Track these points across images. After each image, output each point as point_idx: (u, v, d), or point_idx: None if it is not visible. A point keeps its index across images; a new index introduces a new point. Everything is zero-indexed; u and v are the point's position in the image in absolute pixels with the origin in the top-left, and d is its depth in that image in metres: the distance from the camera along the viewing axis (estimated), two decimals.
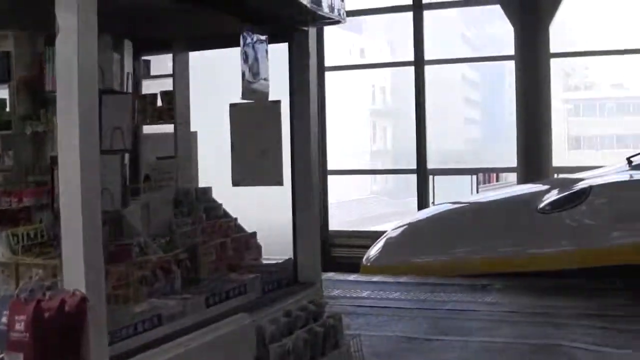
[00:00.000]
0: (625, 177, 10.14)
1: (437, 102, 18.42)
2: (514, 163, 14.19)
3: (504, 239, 10.11)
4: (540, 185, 11.30)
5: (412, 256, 10.55)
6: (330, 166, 16.30)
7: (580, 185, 10.07)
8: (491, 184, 15.26)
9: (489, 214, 10.75)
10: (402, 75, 17.86)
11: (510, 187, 12.70)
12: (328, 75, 16.09)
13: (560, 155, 15.34)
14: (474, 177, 15.04)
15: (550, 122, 14.05)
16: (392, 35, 25.72)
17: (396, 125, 30.16)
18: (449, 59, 17.10)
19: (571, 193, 9.94)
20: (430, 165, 15.39)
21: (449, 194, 15.10)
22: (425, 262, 10.33)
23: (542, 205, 10.04)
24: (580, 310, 8.12)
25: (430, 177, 15.21)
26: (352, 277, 10.29)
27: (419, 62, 15.25)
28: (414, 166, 15.31)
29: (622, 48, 15.93)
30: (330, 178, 16.33)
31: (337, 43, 22.10)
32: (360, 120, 30.43)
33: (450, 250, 10.39)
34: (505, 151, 15.24)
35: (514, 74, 14.48)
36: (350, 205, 24.68)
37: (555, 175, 14.04)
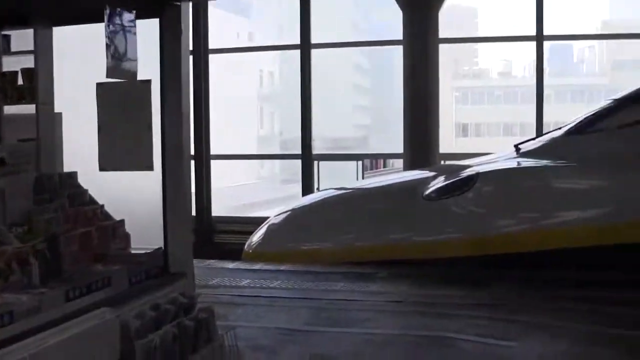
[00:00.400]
0: (512, 164, 10.00)
1: (326, 88, 18.25)
2: (401, 149, 14.12)
3: (389, 225, 9.84)
4: (427, 172, 11.07)
5: (295, 243, 10.25)
6: (215, 151, 16.05)
7: (467, 172, 9.90)
8: (378, 169, 15.19)
9: (374, 200, 10.52)
10: (290, 60, 17.65)
11: (397, 174, 12.53)
12: (214, 58, 15.80)
13: (448, 142, 15.40)
14: (360, 163, 14.95)
15: (438, 109, 14.00)
16: (281, 20, 25.56)
17: (284, 110, 30.05)
18: (336, 43, 16.98)
19: (458, 180, 9.76)
20: (317, 151, 15.25)
21: (335, 180, 15.00)
22: (309, 249, 10.09)
23: (428, 192, 9.84)
24: (467, 300, 7.95)
25: (315, 162, 15.08)
26: (231, 265, 9.96)
27: (305, 45, 15.06)
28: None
29: (511, 35, 16.17)
30: (216, 163, 16.07)
31: (224, 27, 21.77)
32: (247, 105, 30.23)
33: (334, 237, 10.11)
34: (394, 137, 15.17)
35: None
36: (236, 191, 24.51)
37: (442, 162, 14.01)
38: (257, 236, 10.70)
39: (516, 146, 10.40)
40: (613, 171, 9.32)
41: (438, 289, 8.47)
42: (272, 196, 24.86)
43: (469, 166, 10.31)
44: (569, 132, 10.03)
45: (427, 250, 9.44)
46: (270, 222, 10.85)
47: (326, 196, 11.19)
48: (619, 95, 10.43)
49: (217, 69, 16.25)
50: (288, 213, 10.98)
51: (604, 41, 61.41)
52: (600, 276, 8.54)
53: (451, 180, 9.84)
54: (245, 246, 10.71)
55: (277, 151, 29.50)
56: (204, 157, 15.53)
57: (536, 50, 13.75)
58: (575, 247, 8.97)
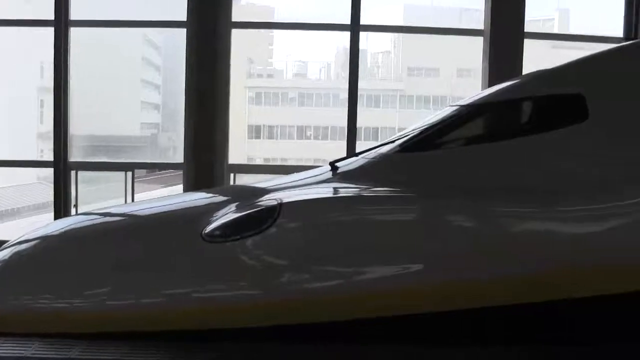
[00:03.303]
0: (327, 191, 6.76)
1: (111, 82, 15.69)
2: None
3: (145, 281, 6.35)
4: (213, 195, 7.88)
5: (17, 301, 6.40)
6: None
7: (266, 200, 6.45)
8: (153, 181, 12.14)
9: (132, 239, 6.71)
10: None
11: (175, 196, 9.10)
12: None
13: (239, 145, 12.32)
14: (129, 174, 11.73)
15: (228, 110, 11.00)
16: None
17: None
18: (100, 21, 13.40)
19: (253, 212, 6.33)
20: (78, 157, 11.95)
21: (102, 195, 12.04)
22: (32, 312, 6.26)
23: (210, 228, 6.32)
24: None
25: (73, 173, 11.75)
26: None
27: (59, 22, 11.77)
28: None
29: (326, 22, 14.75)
30: None
31: None
32: (26, 98, 26.80)
33: (70, 294, 6.31)
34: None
35: None
36: (6, 193, 21.09)
37: (232, 177, 10.96)
38: None
39: (332, 164, 7.21)
40: (464, 204, 6.43)
41: None
42: (42, 200, 21.38)
43: (269, 190, 6.94)
44: (404, 148, 7.09)
45: (208, 319, 6.10)
46: None
47: (74, 225, 7.40)
48: (467, 100, 7.63)
49: None
50: (18, 250, 6.98)
51: (400, 47, 60.68)
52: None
53: (243, 213, 6.40)
54: None
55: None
56: None
57: (350, 42, 11.18)
58: (418, 313, 6.10)
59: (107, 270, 6.38)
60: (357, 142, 11.18)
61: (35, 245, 7.06)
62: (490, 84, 10.29)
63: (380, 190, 6.63)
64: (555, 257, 6.02)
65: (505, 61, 11.52)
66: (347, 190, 6.86)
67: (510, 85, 7.54)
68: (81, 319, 6.11)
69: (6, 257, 6.85)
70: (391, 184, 6.68)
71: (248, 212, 6.39)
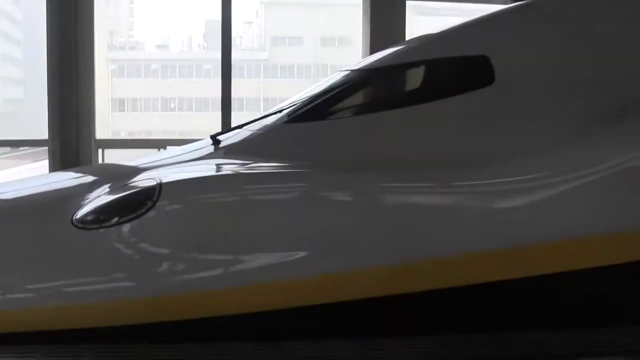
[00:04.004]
0: (210, 168, 5.92)
1: None
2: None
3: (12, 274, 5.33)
4: (82, 175, 6.87)
5: None
6: None
7: (143, 180, 5.58)
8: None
9: None
10: None
11: (35, 179, 7.82)
12: None
13: (104, 118, 11.47)
14: None
15: (94, 82, 10.13)
16: None
17: None
18: None
19: (129, 194, 5.45)
20: None
21: None
22: None
23: (81, 213, 5.39)
24: None
25: None
26: None
27: None
28: None
29: None
30: None
31: None
32: None
33: None
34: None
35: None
36: None
37: (101, 153, 10.10)
38: None
39: (214, 137, 6.30)
40: (362, 179, 5.76)
41: None
42: None
43: (145, 168, 6.03)
44: (293, 119, 6.34)
45: (74, 317, 5.17)
46: None
47: None
48: (357, 65, 6.92)
49: None
50: None
51: (263, 18, 60.01)
52: None
53: (119, 195, 5.52)
54: None
55: None
56: None
57: (222, 9, 10.36)
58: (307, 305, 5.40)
59: None
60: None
61: None
62: (373, 51, 9.61)
63: (270, 166, 5.88)
64: (463, 239, 5.41)
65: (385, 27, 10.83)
66: (233, 167, 6.02)
67: (402, 49, 6.85)
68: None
69: None
70: (280, 159, 5.95)
71: (123, 194, 5.55)
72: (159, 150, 9.72)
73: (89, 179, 6.41)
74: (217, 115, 10.67)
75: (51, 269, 5.29)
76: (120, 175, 6.02)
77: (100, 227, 5.30)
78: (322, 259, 5.28)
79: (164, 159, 6.60)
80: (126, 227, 5.28)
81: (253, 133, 6.28)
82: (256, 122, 6.39)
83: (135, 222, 5.24)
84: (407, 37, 8.36)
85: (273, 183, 5.56)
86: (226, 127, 9.27)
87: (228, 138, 6.35)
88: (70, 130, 9.83)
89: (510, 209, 5.48)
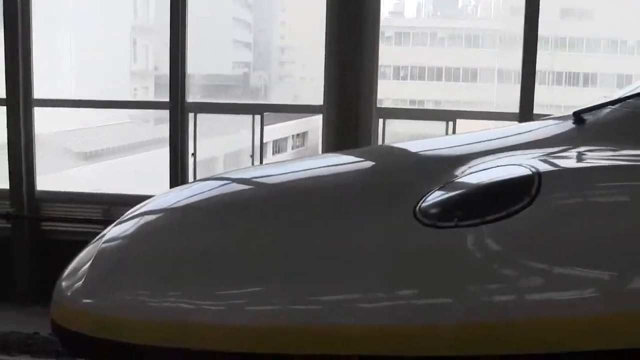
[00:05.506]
0: (596, 154, 4.28)
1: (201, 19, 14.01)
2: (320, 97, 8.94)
3: (329, 277, 3.76)
4: (397, 152, 5.13)
5: (120, 300, 3.97)
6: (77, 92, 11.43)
7: (506, 168, 4.08)
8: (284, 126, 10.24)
9: (310, 212, 4.16)
10: None
11: (333, 155, 5.97)
12: None
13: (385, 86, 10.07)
14: (257, 117, 9.64)
15: (378, 45, 8.84)
16: None
17: (159, 43, 25.44)
18: None
19: (493, 183, 3.98)
20: (192, 98, 9.94)
21: (219, 144, 10.30)
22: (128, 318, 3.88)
23: (426, 204, 3.93)
24: None
25: (191, 115, 9.72)
26: None
27: None
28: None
29: None
30: None
31: None
32: (119, 38, 25.40)
33: (184, 294, 3.85)
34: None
35: None
36: (97, 133, 19.39)
37: (381, 123, 8.80)
38: (70, 274, 4.26)
39: (577, 114, 4.60)
40: None
41: None
42: (137, 139, 19.59)
43: (497, 149, 4.47)
44: None
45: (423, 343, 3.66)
46: (102, 243, 4.32)
47: (208, 194, 4.60)
48: None
49: None
50: (137, 228, 4.42)
51: None
52: None
53: (477, 184, 4.02)
54: (54, 294, 4.27)
55: (152, 88, 24.32)
56: (20, 104, 9.94)
57: None
58: None
59: (271, 259, 3.92)
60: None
61: (159, 225, 4.53)
62: None
63: None
64: None
65: None
66: (617, 155, 4.33)
67: None
68: (239, 332, 3.91)
69: (123, 237, 4.45)
70: None
71: (485, 182, 4.06)
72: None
73: (421, 158, 4.93)
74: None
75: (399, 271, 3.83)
76: (461, 157, 4.52)
77: (456, 226, 3.85)
78: None
79: (506, 137, 5.07)
80: (491, 229, 3.80)
81: (626, 113, 4.64)
82: (624, 102, 4.70)
83: (505, 222, 3.76)
84: None
85: None
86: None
87: (595, 117, 4.71)
88: (350, 96, 8.56)
89: None
